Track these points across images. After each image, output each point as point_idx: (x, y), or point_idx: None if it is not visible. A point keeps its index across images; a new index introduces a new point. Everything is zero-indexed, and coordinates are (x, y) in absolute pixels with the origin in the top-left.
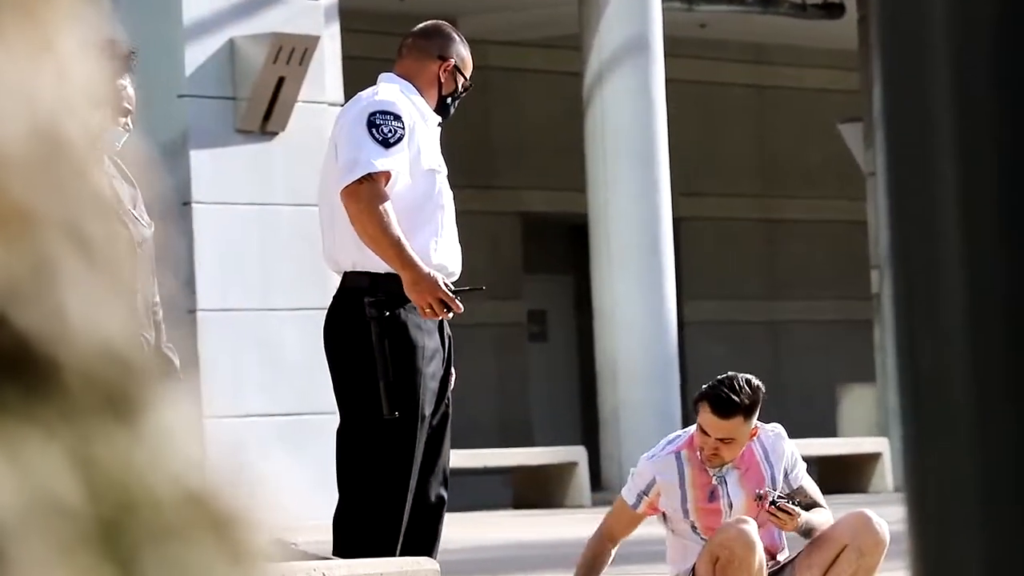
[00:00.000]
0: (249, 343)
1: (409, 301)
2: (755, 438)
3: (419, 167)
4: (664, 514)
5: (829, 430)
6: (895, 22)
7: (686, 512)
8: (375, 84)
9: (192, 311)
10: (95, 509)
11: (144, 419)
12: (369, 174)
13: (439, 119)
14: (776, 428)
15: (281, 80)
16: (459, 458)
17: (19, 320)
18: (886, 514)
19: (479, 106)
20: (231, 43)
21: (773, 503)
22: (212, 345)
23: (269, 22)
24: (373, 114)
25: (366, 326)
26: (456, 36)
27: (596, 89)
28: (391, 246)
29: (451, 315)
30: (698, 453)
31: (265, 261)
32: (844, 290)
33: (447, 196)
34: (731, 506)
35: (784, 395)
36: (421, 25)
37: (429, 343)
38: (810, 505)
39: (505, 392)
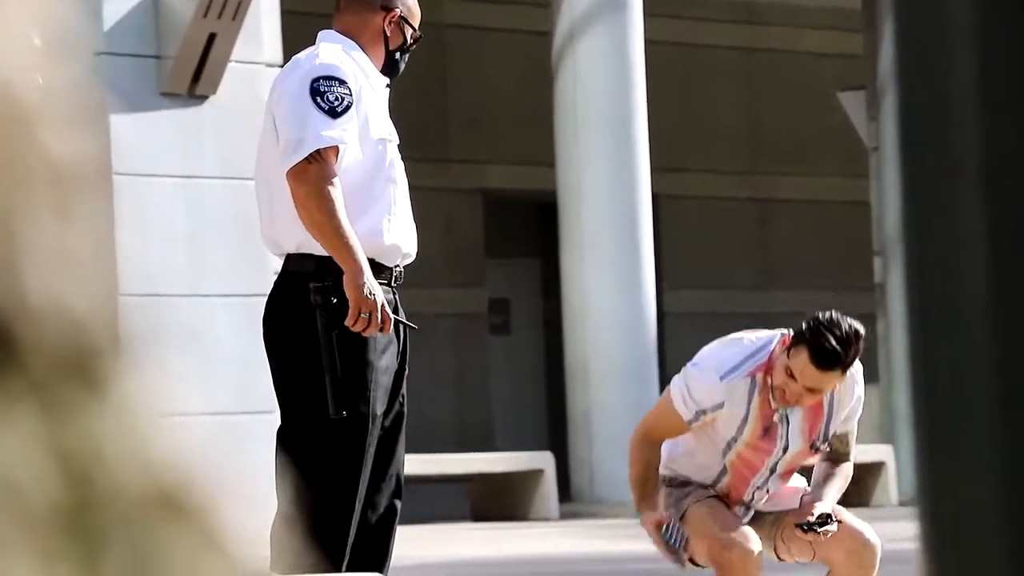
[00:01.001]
0: (176, 334)
1: None
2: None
3: (368, 137)
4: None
5: None
6: None
7: (734, 440)
8: (316, 44)
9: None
10: (59, 486)
11: (108, 392)
12: (318, 151)
13: (387, 81)
14: (857, 367)
15: (212, 37)
16: (413, 464)
17: None
18: (891, 532)
19: (434, 69)
20: None
21: (810, 528)
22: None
23: None
24: (316, 80)
25: (311, 314)
26: None
27: (567, 51)
28: (337, 236)
29: (370, 331)
30: (770, 388)
31: (194, 241)
32: (843, 279)
33: (399, 168)
34: (786, 449)
35: None
36: None
37: (381, 334)
38: (841, 455)
39: (463, 390)
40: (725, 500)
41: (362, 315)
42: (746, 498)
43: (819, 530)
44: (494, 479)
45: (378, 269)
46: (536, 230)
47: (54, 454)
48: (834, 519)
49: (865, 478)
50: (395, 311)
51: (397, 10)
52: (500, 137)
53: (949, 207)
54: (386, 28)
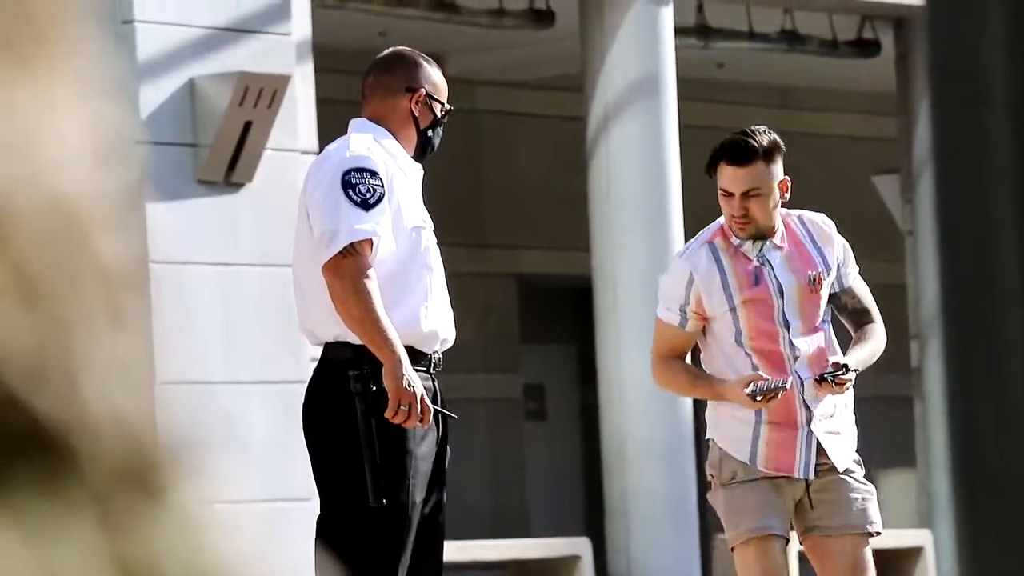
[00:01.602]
0: (211, 420)
1: None
2: (798, 218)
3: (402, 225)
4: (705, 326)
5: None
6: (949, 56)
7: (733, 309)
8: (347, 133)
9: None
10: None
11: (165, 502)
12: (352, 244)
13: (419, 167)
14: (822, 216)
15: (248, 125)
16: (449, 550)
17: (35, 403)
18: None
19: (469, 154)
20: (191, 83)
21: (822, 379)
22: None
23: (234, 60)
24: (347, 172)
25: (350, 402)
26: (420, 59)
27: (600, 136)
28: (375, 330)
29: (410, 424)
30: (729, 229)
31: (229, 328)
32: (879, 362)
33: (435, 255)
34: (781, 291)
35: None
36: (379, 57)
37: (421, 425)
38: (860, 311)
39: (499, 476)
40: (780, 397)
41: (401, 407)
42: (791, 378)
43: (831, 380)
44: (530, 566)
45: (416, 356)
46: (572, 315)
47: (114, 565)
48: (851, 370)
49: (904, 563)
50: (435, 398)
51: (422, 89)
52: (535, 222)
53: (988, 283)
54: (413, 109)
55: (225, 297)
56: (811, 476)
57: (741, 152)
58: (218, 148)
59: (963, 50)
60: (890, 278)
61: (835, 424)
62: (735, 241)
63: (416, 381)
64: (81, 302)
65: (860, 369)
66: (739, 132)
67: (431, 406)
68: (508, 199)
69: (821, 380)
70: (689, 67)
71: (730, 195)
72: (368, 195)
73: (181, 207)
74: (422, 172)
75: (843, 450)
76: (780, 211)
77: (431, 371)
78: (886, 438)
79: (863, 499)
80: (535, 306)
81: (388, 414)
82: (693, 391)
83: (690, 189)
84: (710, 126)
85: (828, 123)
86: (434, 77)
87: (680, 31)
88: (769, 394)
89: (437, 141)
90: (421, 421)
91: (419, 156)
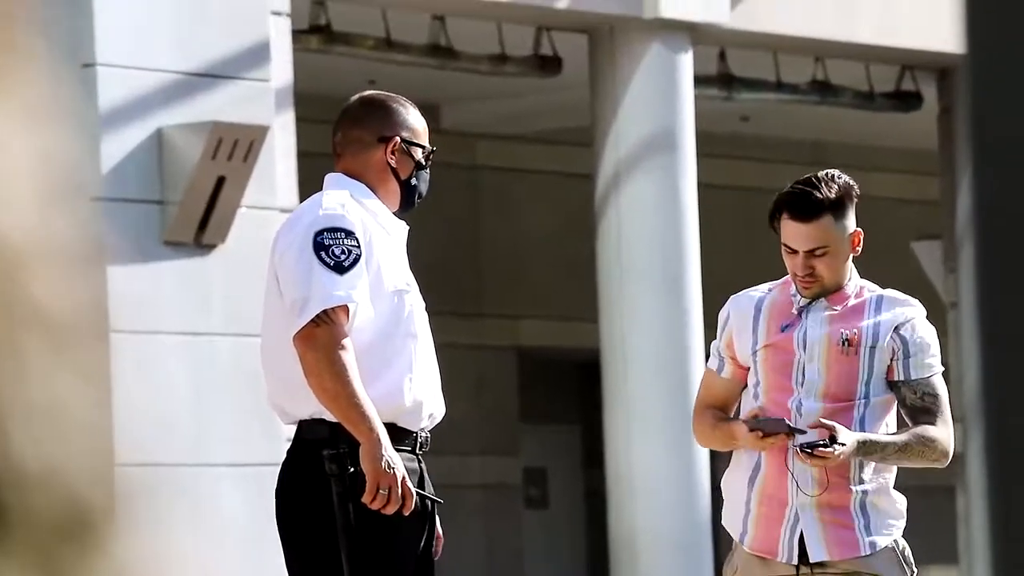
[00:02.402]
0: (180, 506)
1: None
2: (878, 294)
3: (382, 289)
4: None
5: None
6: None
7: (755, 353)
8: (322, 190)
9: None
10: None
11: (100, 558)
12: (325, 311)
13: (404, 226)
14: (910, 299)
15: (221, 180)
16: None
17: None
18: None
19: (465, 214)
20: (159, 133)
21: (803, 449)
22: (132, 508)
23: (206, 108)
24: (320, 233)
25: (326, 485)
26: (390, 103)
27: (611, 195)
28: (350, 406)
29: (390, 510)
30: (792, 287)
31: (199, 404)
32: None
33: (421, 321)
34: (805, 343)
35: None
36: (345, 107)
37: (403, 511)
38: (919, 410)
39: (495, 569)
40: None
41: (380, 491)
42: (792, 441)
43: (813, 451)
44: None
45: (400, 434)
46: (576, 392)
47: None
48: (838, 443)
49: None
50: (420, 482)
51: (396, 138)
52: (537, 289)
53: None
54: (390, 160)
55: (195, 370)
56: (793, 560)
57: (805, 206)
58: (188, 205)
59: (1007, 100)
60: None
61: (838, 509)
62: (791, 291)
63: (397, 462)
64: (12, 346)
65: (871, 456)
66: (805, 179)
67: (414, 490)
68: (508, 263)
69: (803, 450)
70: (710, 120)
71: (794, 252)
72: (343, 257)
73: (146, 270)
74: (407, 230)
75: (840, 542)
76: (863, 282)
77: (417, 451)
78: (925, 532)
79: None
80: (536, 382)
81: (366, 499)
82: (714, 436)
83: (709, 254)
84: (732, 185)
85: (863, 183)
86: (409, 120)
87: (700, 80)
88: (768, 429)
89: (424, 187)
90: (402, 507)
91: (406, 206)
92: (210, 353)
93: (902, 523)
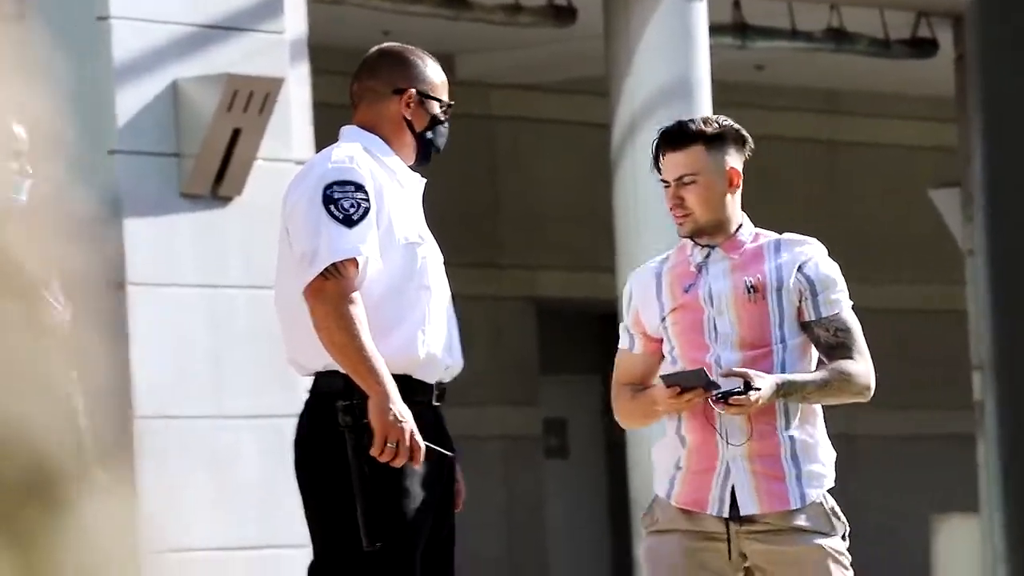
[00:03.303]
0: (197, 459)
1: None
2: (776, 238)
3: (393, 241)
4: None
5: (918, 570)
6: (999, 63)
7: (663, 319)
8: (337, 142)
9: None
10: None
11: (69, 515)
12: (334, 264)
13: (419, 179)
14: (808, 238)
15: (236, 132)
16: None
17: None
18: None
19: (481, 165)
20: (174, 86)
21: (719, 398)
22: (152, 460)
23: (221, 61)
24: (329, 186)
25: (341, 437)
26: (409, 55)
27: (627, 145)
28: (359, 358)
29: (398, 463)
30: (687, 249)
31: (217, 357)
32: (938, 396)
33: (434, 273)
34: (711, 297)
35: (860, 525)
36: (365, 56)
37: (412, 464)
38: (833, 347)
39: (514, 522)
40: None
41: (389, 445)
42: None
43: (729, 399)
44: None
45: (416, 386)
46: (595, 342)
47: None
48: (753, 388)
49: None
50: (437, 434)
51: (411, 90)
52: (554, 240)
53: None
54: (405, 112)
55: (212, 323)
56: (724, 513)
57: (677, 134)
58: (204, 158)
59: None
60: (949, 303)
61: (768, 458)
62: (688, 252)
63: (406, 415)
64: None
65: (791, 397)
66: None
67: (422, 443)
68: (525, 214)
69: (717, 399)
70: (725, 69)
71: (667, 185)
72: (352, 210)
73: (163, 223)
74: (423, 183)
75: (771, 493)
76: (758, 229)
77: (433, 403)
78: (944, 479)
79: (821, 563)
80: (555, 332)
81: (374, 451)
82: (635, 409)
83: None
84: (749, 134)
85: (880, 131)
86: (427, 73)
87: (715, 29)
88: (686, 383)
89: (441, 141)
90: (411, 460)
91: (422, 160)
92: (227, 305)
93: (831, 475)
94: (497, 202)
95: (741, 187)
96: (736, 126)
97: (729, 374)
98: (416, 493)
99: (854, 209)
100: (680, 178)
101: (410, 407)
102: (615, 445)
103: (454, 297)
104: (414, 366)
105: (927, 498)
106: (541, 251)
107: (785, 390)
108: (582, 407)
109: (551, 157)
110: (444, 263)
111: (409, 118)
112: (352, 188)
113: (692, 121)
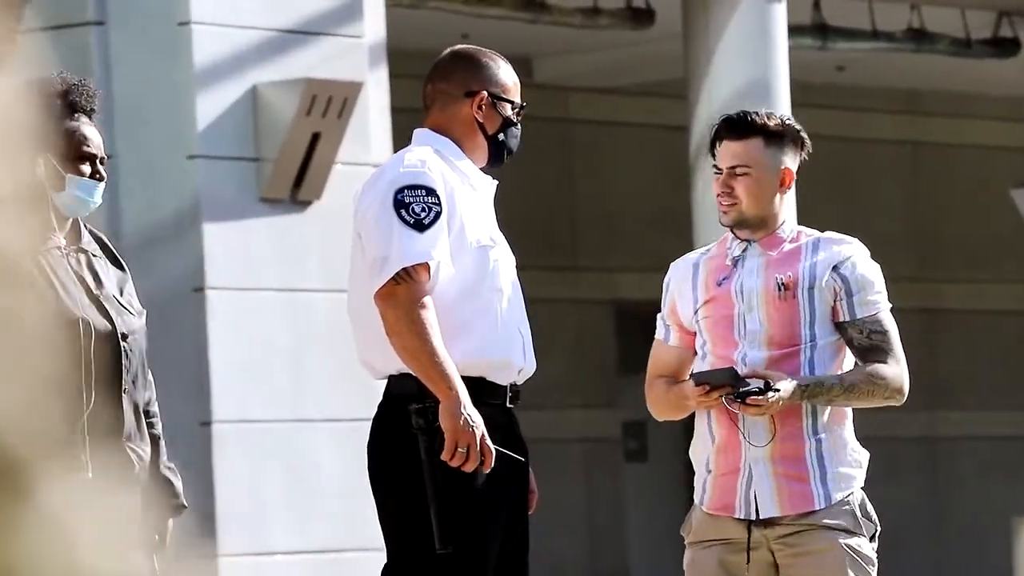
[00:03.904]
0: (277, 463)
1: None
2: (815, 236)
3: (464, 244)
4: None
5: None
6: None
7: (696, 312)
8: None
9: (205, 423)
10: None
11: (30, 502)
12: (405, 269)
13: (491, 182)
14: (849, 238)
15: (316, 137)
16: None
17: None
18: None
19: (560, 168)
20: (253, 91)
21: (738, 396)
22: (229, 465)
23: (300, 65)
24: (400, 191)
25: (414, 440)
26: (481, 57)
27: (706, 147)
28: (430, 363)
29: (468, 467)
30: (728, 241)
31: (296, 361)
32: (1022, 398)
33: (507, 276)
34: (742, 292)
35: (946, 529)
36: (438, 59)
37: (483, 469)
38: (867, 349)
39: (595, 524)
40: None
41: (459, 449)
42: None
43: (747, 399)
44: None
45: (490, 388)
46: None
47: None
48: (772, 389)
49: None
50: (510, 436)
51: (482, 92)
52: (633, 243)
53: None
54: (476, 115)
55: (291, 326)
56: (751, 516)
57: (737, 124)
58: (283, 162)
59: None
60: None
61: (792, 460)
62: (727, 245)
63: (477, 420)
64: None
65: (817, 399)
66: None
67: (492, 447)
68: (604, 217)
69: (736, 399)
70: (805, 70)
71: (719, 172)
72: (423, 215)
73: (242, 227)
74: (495, 185)
75: (793, 495)
76: (802, 228)
77: (507, 404)
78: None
79: (838, 560)
80: (634, 334)
81: (444, 456)
82: (667, 402)
83: (804, 204)
84: (829, 135)
85: (961, 131)
86: (499, 75)
87: (795, 30)
88: (714, 381)
89: (514, 143)
90: (482, 464)
91: (494, 162)
92: (306, 309)
93: (862, 475)
94: (575, 205)
95: (792, 188)
96: (798, 127)
97: (752, 375)
98: (488, 496)
99: (937, 209)
100: (733, 168)
101: (483, 409)
102: None
103: (533, 300)
104: (487, 368)
105: (1013, 502)
106: (619, 254)
107: (810, 392)
108: None
109: (629, 160)
110: (523, 267)
111: (481, 120)
112: (423, 192)
113: (756, 113)
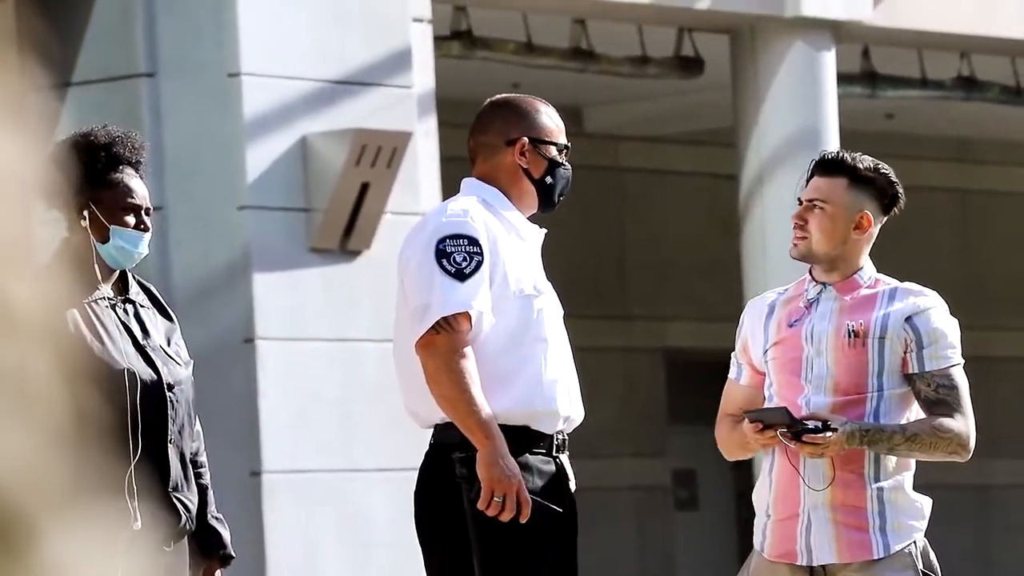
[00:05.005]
0: (327, 513)
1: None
2: (893, 286)
3: (508, 293)
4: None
5: None
6: None
7: (766, 352)
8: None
9: (255, 473)
10: None
11: (27, 559)
12: (445, 319)
13: (539, 231)
14: (926, 290)
15: (365, 187)
16: None
17: None
18: None
19: (610, 216)
20: (303, 141)
21: (795, 435)
22: (280, 515)
23: (350, 115)
24: (442, 240)
25: (459, 488)
26: (520, 104)
27: (755, 195)
28: (468, 412)
29: (505, 518)
30: (805, 283)
31: (346, 410)
32: None
33: (552, 325)
34: (812, 336)
35: (999, 572)
36: (478, 111)
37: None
38: (934, 403)
39: (647, 572)
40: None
41: (495, 499)
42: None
43: (803, 437)
44: None
45: (535, 437)
46: None
47: None
48: (830, 428)
49: None
50: (557, 483)
51: (522, 139)
52: (683, 291)
53: None
54: (520, 161)
55: (341, 376)
56: (812, 563)
57: (829, 161)
58: (332, 213)
59: None
60: None
61: (852, 509)
62: (804, 287)
63: (514, 469)
64: None
65: (876, 446)
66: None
67: (530, 498)
68: (653, 266)
69: (793, 436)
70: (854, 118)
71: (800, 204)
72: (464, 264)
73: (292, 277)
74: (543, 234)
75: (851, 543)
76: (878, 276)
77: (553, 454)
78: None
79: None
80: (684, 383)
81: (480, 504)
82: (732, 442)
83: None
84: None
85: (1012, 179)
86: (539, 119)
87: (844, 78)
88: (768, 420)
89: (563, 184)
90: (518, 514)
91: (546, 206)
92: (356, 359)
93: (923, 525)
94: (625, 254)
95: (873, 236)
96: (893, 180)
97: (810, 417)
98: (534, 545)
99: (989, 256)
100: (812, 201)
101: (529, 458)
102: (744, 495)
103: (583, 349)
104: (532, 417)
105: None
106: (669, 302)
107: (870, 438)
108: (711, 457)
109: (678, 208)
110: (572, 315)
111: (525, 166)
112: (465, 242)
113: (852, 156)
